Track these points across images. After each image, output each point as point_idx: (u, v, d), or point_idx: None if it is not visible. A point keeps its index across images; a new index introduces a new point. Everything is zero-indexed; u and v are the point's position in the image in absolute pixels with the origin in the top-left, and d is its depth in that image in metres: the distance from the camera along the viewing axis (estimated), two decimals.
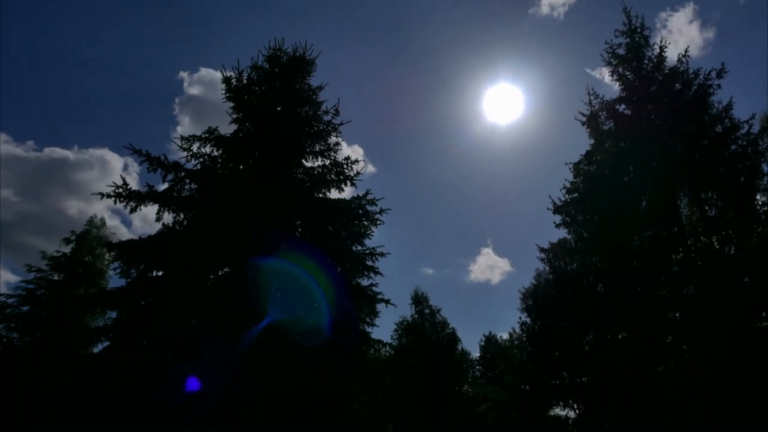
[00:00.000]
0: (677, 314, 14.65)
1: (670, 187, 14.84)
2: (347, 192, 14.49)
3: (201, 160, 13.47)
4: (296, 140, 13.98)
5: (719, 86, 15.47)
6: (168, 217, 12.71)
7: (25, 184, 72.61)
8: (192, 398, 9.97)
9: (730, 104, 15.17)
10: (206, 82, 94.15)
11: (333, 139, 14.55)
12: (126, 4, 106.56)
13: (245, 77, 14.45)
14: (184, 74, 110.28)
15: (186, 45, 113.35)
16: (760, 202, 14.58)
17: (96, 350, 13.79)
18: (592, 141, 17.23)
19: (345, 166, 14.08)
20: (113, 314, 13.75)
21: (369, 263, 13.54)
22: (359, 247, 13.72)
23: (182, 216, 12.80)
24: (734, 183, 14.32)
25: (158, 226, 12.61)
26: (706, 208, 14.74)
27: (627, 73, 17.24)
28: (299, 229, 13.49)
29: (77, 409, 11.30)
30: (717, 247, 14.47)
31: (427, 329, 33.67)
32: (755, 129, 14.82)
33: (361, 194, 13.65)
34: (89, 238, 22.54)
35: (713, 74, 15.50)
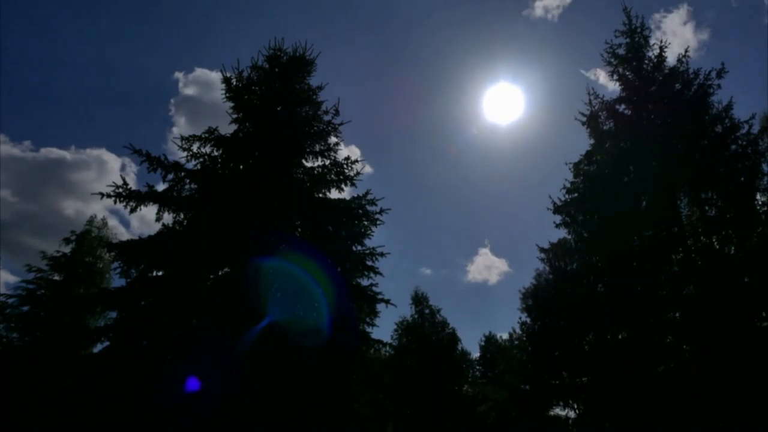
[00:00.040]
0: (677, 314, 14.64)
1: (670, 187, 14.83)
2: (347, 192, 14.51)
3: (201, 160, 13.47)
4: (296, 140, 13.98)
5: (719, 86, 15.49)
6: (168, 217, 12.72)
7: (22, 184, 72.73)
8: (192, 398, 9.96)
9: (730, 104, 15.17)
10: (201, 83, 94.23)
11: (333, 139, 14.58)
12: (122, 4, 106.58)
13: (245, 77, 14.46)
14: (179, 74, 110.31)
15: (181, 45, 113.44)
16: (760, 202, 14.58)
17: (96, 350, 13.79)
18: (592, 141, 17.23)
19: (345, 166, 14.08)
20: (113, 314, 13.74)
21: (369, 263, 13.54)
22: (359, 247, 13.72)
23: (182, 216, 12.79)
24: (734, 183, 14.31)
25: (157, 226, 12.63)
26: (706, 208, 14.73)
27: (627, 73, 17.23)
28: (299, 229, 13.48)
29: (77, 409, 11.28)
30: (717, 247, 14.46)
31: (427, 329, 33.65)
32: (755, 129, 14.83)
33: (361, 194, 13.66)
34: (89, 239, 22.55)
35: (713, 74, 15.51)
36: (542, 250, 19.33)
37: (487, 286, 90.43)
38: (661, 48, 16.70)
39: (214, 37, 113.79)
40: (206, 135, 13.40)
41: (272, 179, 12.97)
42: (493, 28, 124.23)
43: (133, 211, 12.34)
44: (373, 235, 13.91)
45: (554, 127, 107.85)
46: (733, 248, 14.34)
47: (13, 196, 71.17)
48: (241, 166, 13.67)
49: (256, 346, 10.28)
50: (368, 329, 13.46)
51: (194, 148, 13.43)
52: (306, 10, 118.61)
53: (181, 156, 13.75)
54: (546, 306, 27.29)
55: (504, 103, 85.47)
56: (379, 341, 13.83)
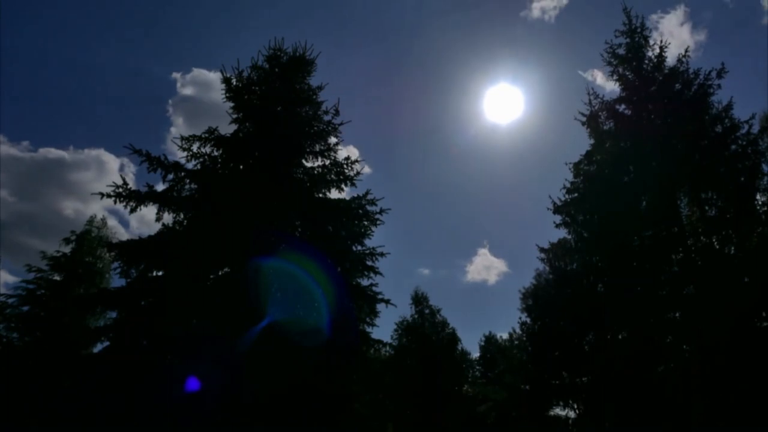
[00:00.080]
0: (677, 314, 14.63)
1: (670, 187, 14.82)
2: (347, 192, 14.51)
3: (201, 160, 13.46)
4: (296, 140, 13.97)
5: (719, 86, 15.49)
6: (168, 217, 12.71)
7: (21, 184, 72.75)
8: (192, 398, 9.96)
9: (730, 104, 15.17)
10: (199, 83, 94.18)
11: (333, 139, 14.57)
12: (119, 5, 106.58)
13: (245, 77, 14.45)
14: (176, 75, 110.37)
15: (178, 45, 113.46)
16: (760, 202, 14.57)
17: (96, 350, 13.79)
18: (592, 141, 17.23)
19: (345, 166, 14.07)
20: (113, 314, 13.73)
21: (369, 263, 13.54)
22: (359, 247, 13.72)
23: (182, 216, 12.78)
24: (734, 183, 14.31)
25: (157, 226, 12.62)
26: (706, 208, 14.73)
27: (627, 73, 17.22)
28: (299, 229, 13.47)
29: (77, 409, 11.29)
30: (717, 247, 14.45)
31: (427, 329, 33.63)
32: (755, 129, 14.83)
33: (361, 194, 13.65)
34: (89, 239, 22.55)
35: (713, 74, 15.50)
36: (542, 250, 19.35)
37: (486, 287, 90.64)
38: (661, 48, 16.70)
39: (212, 38, 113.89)
40: (206, 135, 13.39)
41: (272, 179, 12.96)
42: (493, 29, 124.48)
43: (133, 211, 12.34)
44: (373, 235, 13.93)
45: (553, 127, 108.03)
46: (733, 248, 14.33)
47: (12, 196, 71.26)
48: (241, 166, 13.66)
49: (256, 346, 10.28)
50: (368, 329, 13.48)
51: (194, 148, 13.42)
52: (305, 10, 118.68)
53: (180, 156, 13.76)
54: (546, 306, 27.26)
55: (503, 104, 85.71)
56: (379, 341, 13.82)
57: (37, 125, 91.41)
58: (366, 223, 13.77)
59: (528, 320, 30.44)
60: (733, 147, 14.84)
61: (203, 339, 10.55)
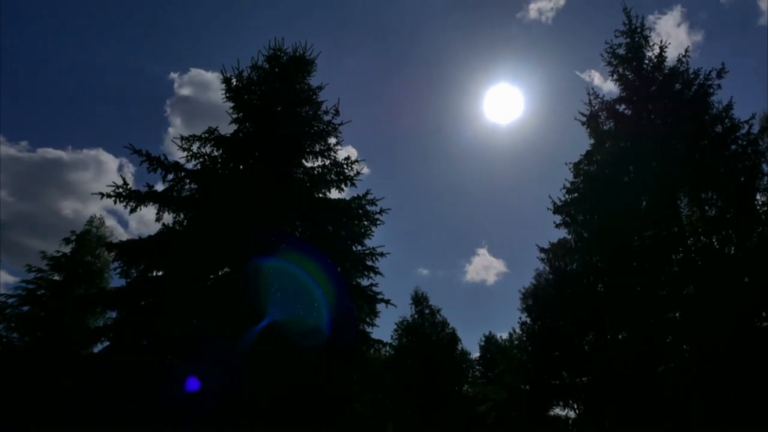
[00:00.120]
0: (677, 314, 14.63)
1: (670, 187, 14.82)
2: (347, 192, 14.50)
3: (201, 160, 13.46)
4: (296, 140, 13.97)
5: (719, 86, 15.47)
6: (168, 217, 12.71)
7: (19, 184, 72.78)
8: (192, 398, 9.96)
9: (731, 104, 15.16)
10: (197, 83, 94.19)
11: (332, 139, 14.56)
12: (117, 5, 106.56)
13: (245, 77, 14.45)
14: (174, 75, 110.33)
15: (176, 46, 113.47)
16: (760, 202, 14.56)
17: (96, 350, 13.80)
18: (592, 141, 17.22)
19: (345, 166, 14.07)
20: (113, 314, 13.74)
21: (369, 263, 13.53)
22: (359, 247, 13.71)
23: (182, 216, 12.78)
24: (734, 183, 14.30)
25: (156, 226, 12.64)
26: (706, 208, 14.72)
27: (627, 73, 17.21)
28: (299, 229, 13.47)
29: (77, 409, 11.29)
30: (717, 247, 14.45)
31: (427, 329, 33.62)
32: (755, 129, 14.82)
33: (361, 194, 13.64)
34: (89, 238, 22.56)
35: (713, 74, 15.49)
36: (542, 250, 19.35)
37: (485, 287, 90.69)
38: (661, 48, 16.69)
39: (210, 38, 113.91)
40: (206, 135, 13.38)
41: (272, 179, 12.95)
42: (492, 29, 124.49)
43: (133, 211, 12.34)
44: (373, 235, 13.92)
45: (553, 127, 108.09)
46: (733, 248, 14.33)
47: (11, 196, 71.27)
48: (241, 166, 13.65)
49: (256, 346, 10.28)
50: (368, 329, 13.47)
51: (194, 148, 13.42)
52: (305, 10, 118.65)
53: (180, 156, 13.75)
54: (546, 306, 27.26)
55: (503, 104, 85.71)
56: (379, 341, 13.82)
57: (36, 125, 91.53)
58: (366, 223, 13.76)
59: (528, 320, 30.45)
60: (733, 147, 14.83)
61: (203, 339, 10.55)
